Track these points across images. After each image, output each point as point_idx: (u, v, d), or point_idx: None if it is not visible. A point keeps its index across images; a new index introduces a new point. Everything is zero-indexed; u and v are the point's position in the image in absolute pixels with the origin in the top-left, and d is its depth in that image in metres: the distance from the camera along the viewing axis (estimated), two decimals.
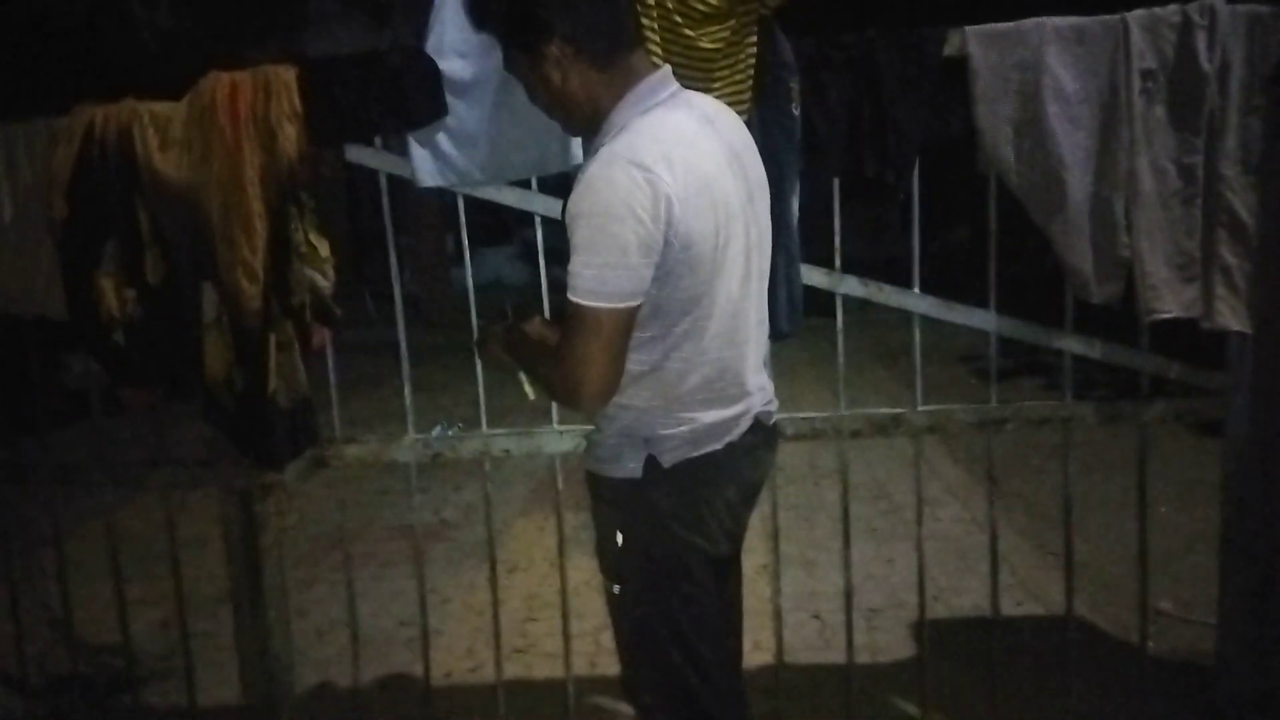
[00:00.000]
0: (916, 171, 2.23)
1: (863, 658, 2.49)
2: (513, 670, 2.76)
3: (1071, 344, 2.31)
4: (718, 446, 1.59)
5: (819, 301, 2.34)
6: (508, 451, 2.38)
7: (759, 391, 1.68)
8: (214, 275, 2.18)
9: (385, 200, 2.33)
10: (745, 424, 1.63)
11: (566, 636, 2.47)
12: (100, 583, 2.73)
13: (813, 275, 2.26)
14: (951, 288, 2.35)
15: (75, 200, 2.22)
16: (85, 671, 2.83)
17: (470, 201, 2.31)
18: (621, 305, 1.44)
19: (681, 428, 1.57)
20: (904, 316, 2.33)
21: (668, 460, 1.57)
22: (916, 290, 2.30)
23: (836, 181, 2.25)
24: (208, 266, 2.19)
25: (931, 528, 2.44)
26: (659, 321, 1.52)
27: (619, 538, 1.60)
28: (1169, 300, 2.23)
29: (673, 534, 1.60)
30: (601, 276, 1.42)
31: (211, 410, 2.24)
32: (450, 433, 2.23)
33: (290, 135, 2.16)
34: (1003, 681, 2.45)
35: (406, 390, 2.37)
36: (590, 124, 1.57)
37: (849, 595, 2.44)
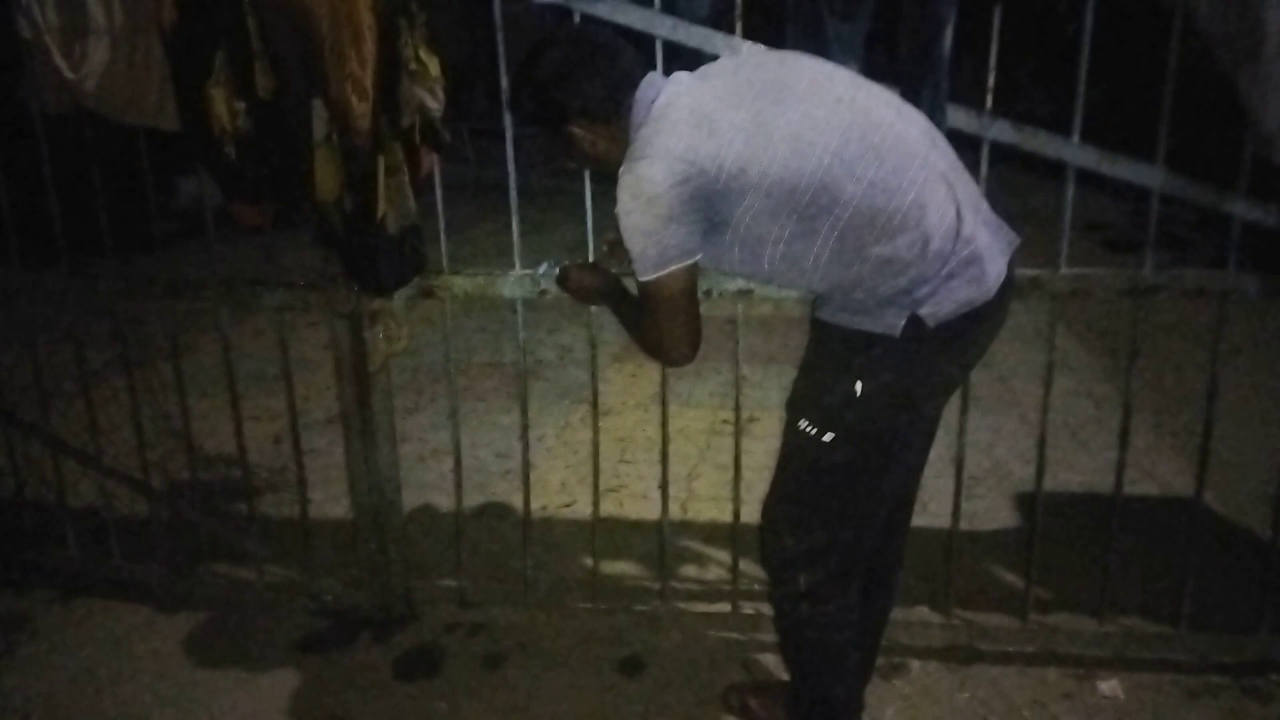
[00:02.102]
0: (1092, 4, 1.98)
1: (962, 526, 2.41)
2: (605, 510, 2.78)
3: (1242, 208, 2.08)
4: (973, 302, 1.65)
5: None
6: None
7: (986, 238, 1.69)
8: (323, 91, 2.09)
9: (497, 15, 2.18)
10: (990, 272, 1.67)
11: (665, 482, 2.46)
12: (216, 397, 2.82)
13: (958, 117, 2.06)
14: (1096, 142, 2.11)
15: (184, 6, 2.14)
16: (203, 479, 2.97)
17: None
18: (675, 266, 1.64)
19: (933, 283, 1.63)
20: (1039, 180, 2.12)
21: (930, 320, 1.64)
22: (1076, 139, 2.08)
23: (997, 10, 2.01)
24: (317, 81, 2.09)
25: (1043, 400, 2.29)
26: (779, 217, 1.62)
27: (858, 386, 1.68)
28: None
29: (912, 394, 1.72)
30: (650, 254, 1.63)
31: (321, 232, 2.20)
32: (557, 270, 2.16)
33: None
34: (1114, 561, 2.36)
35: (514, 225, 2.29)
36: (624, 159, 1.72)
37: (960, 456, 2.34)
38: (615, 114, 1.72)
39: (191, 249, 2.47)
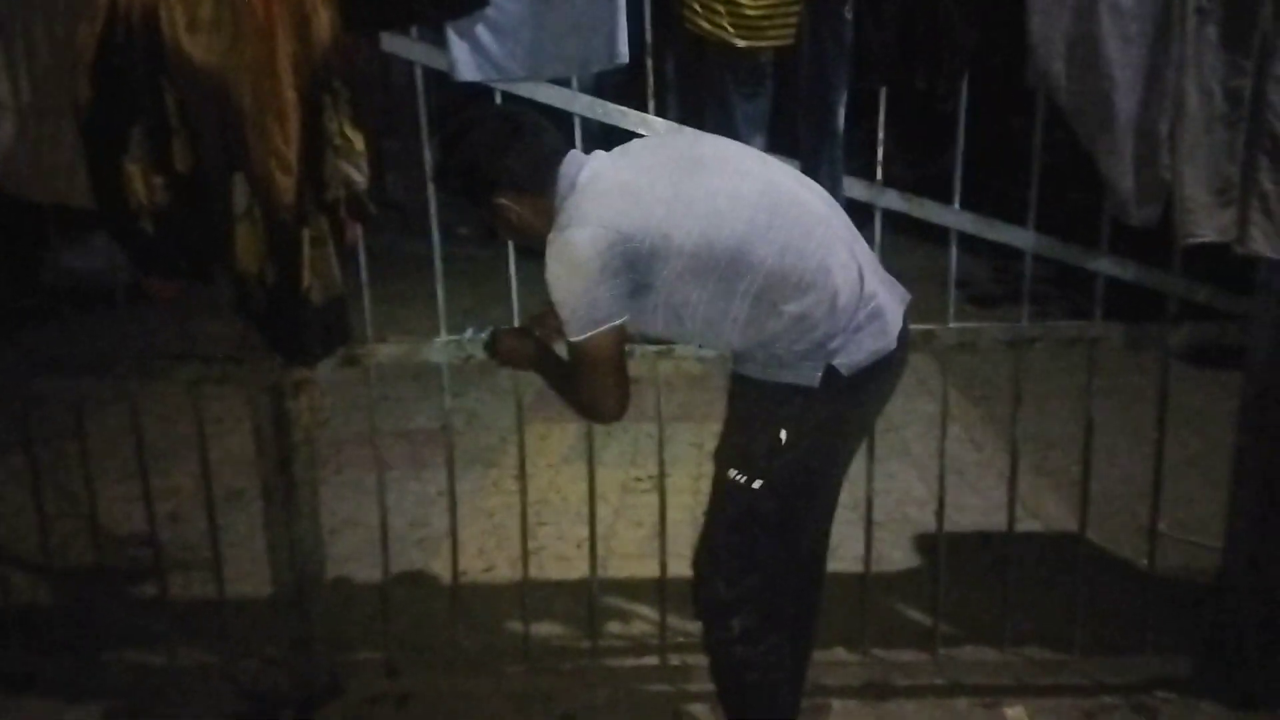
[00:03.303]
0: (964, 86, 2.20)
1: (872, 568, 2.55)
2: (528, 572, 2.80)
3: (1106, 265, 2.32)
4: (880, 352, 1.80)
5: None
6: None
7: (884, 294, 1.86)
8: (245, 165, 2.12)
9: (421, 94, 2.26)
10: (891, 324, 1.83)
11: (593, 540, 2.51)
12: (116, 473, 2.73)
13: (854, 188, 2.24)
14: (975, 206, 2.33)
15: (99, 82, 2.14)
16: (109, 562, 2.85)
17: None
18: (607, 326, 1.73)
19: (848, 335, 1.77)
20: (900, 242, 2.31)
21: (844, 369, 1.77)
22: (956, 206, 2.28)
23: (883, 92, 2.21)
24: (239, 156, 2.13)
25: (932, 446, 2.48)
26: (700, 280, 1.75)
27: (783, 434, 1.79)
28: (1205, 224, 2.23)
29: (832, 439, 1.86)
30: (580, 315, 1.73)
31: (242, 303, 2.21)
32: (483, 335, 2.22)
33: (324, 20, 2.08)
34: (1010, 594, 2.53)
35: (439, 292, 2.35)
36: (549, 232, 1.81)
37: (869, 503, 2.49)
38: (541, 188, 1.81)
39: (95, 321, 2.41)
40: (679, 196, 1.74)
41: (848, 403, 1.84)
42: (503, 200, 1.83)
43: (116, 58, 2.13)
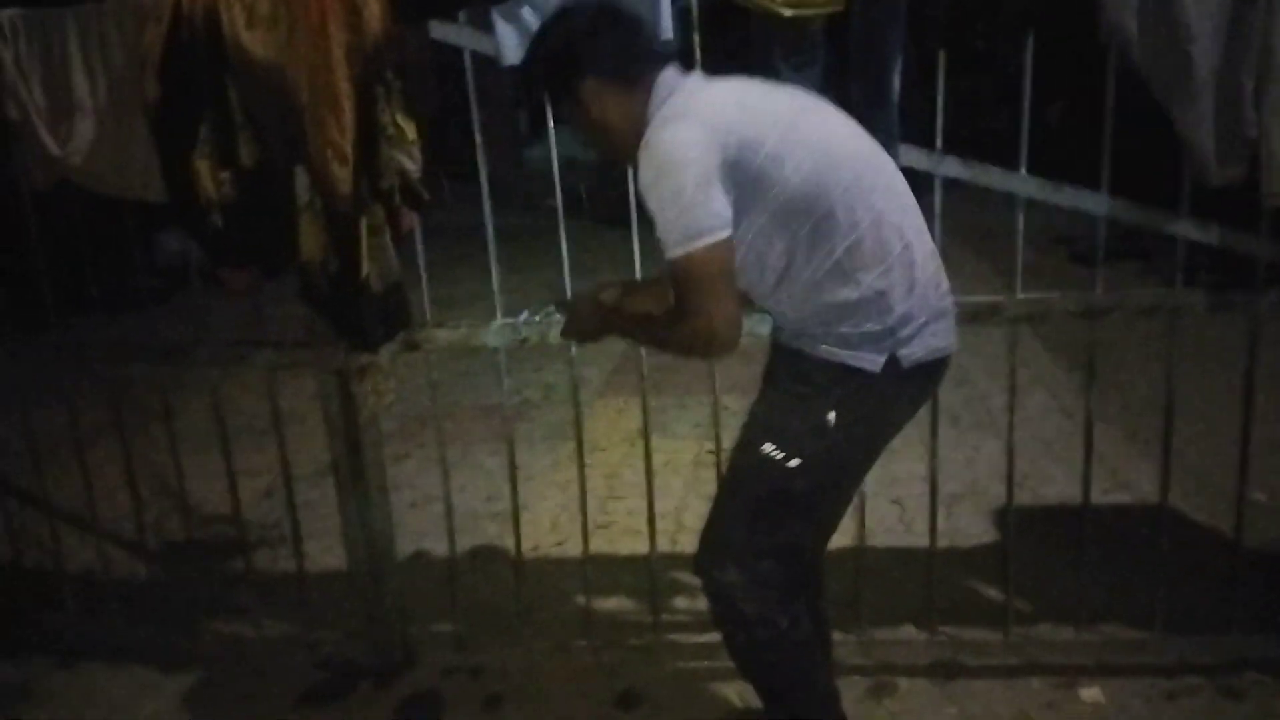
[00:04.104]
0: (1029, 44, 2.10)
1: (943, 543, 2.50)
2: (596, 546, 2.84)
3: (1187, 229, 2.19)
4: (940, 351, 1.75)
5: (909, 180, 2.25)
6: None
7: (950, 297, 1.80)
8: (305, 158, 2.18)
9: (470, 78, 2.28)
10: (953, 326, 1.79)
11: (651, 516, 2.53)
12: (206, 454, 2.87)
13: (911, 155, 2.17)
14: (1046, 167, 2.22)
15: (167, 81, 2.23)
16: (198, 538, 3.01)
17: None
18: (711, 238, 1.56)
19: (914, 321, 1.70)
20: (999, 196, 2.23)
21: (906, 361, 1.70)
22: (1023, 171, 2.19)
23: (942, 54, 2.12)
24: (299, 149, 2.19)
25: (1018, 416, 2.39)
26: (802, 220, 1.63)
27: (832, 416, 1.70)
28: None
29: (877, 429, 1.79)
30: (678, 224, 1.56)
31: (308, 292, 2.28)
32: (537, 318, 2.24)
33: (375, 12, 2.11)
34: (1090, 570, 2.44)
35: (494, 276, 2.37)
36: (636, 143, 1.68)
37: (933, 480, 2.43)
38: (630, 84, 1.69)
39: (177, 305, 2.54)
40: (796, 125, 1.64)
41: (902, 394, 1.77)
42: (588, 88, 1.70)
43: (182, 57, 2.21)
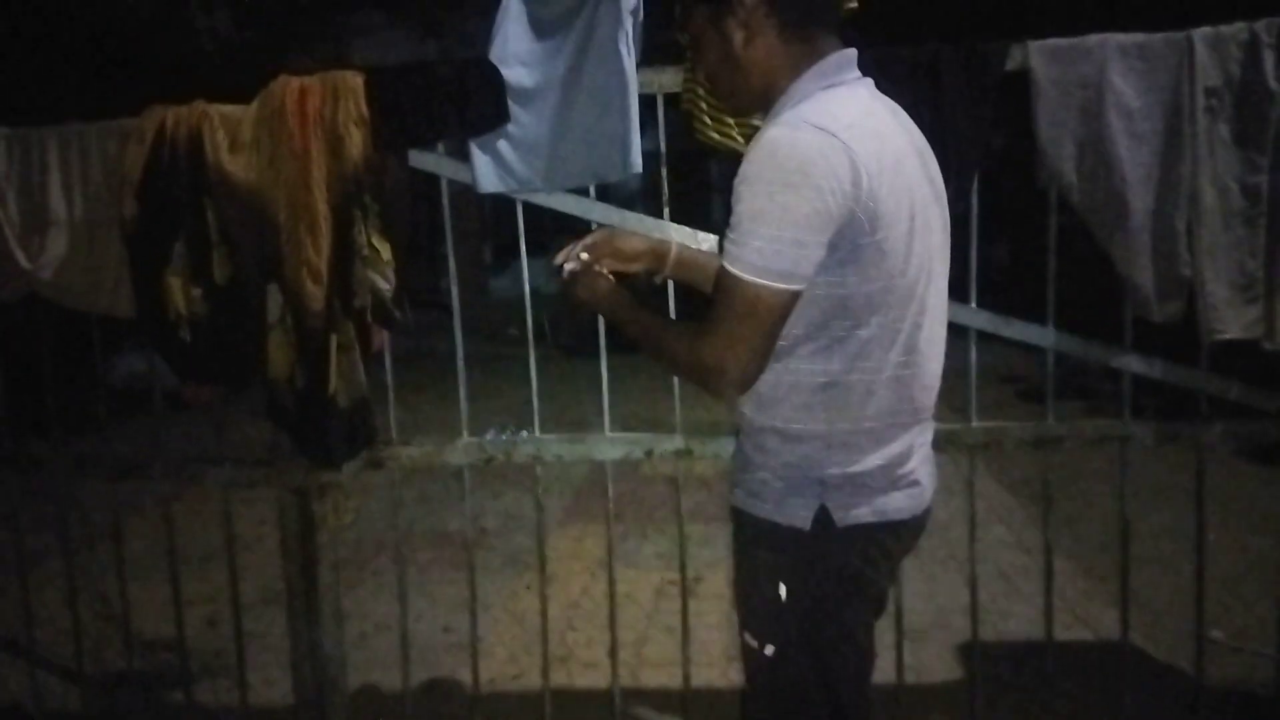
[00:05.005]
0: (975, 186, 2.23)
1: (908, 678, 2.45)
2: (555, 679, 2.76)
3: (1131, 362, 2.28)
4: (893, 512, 1.46)
5: None
6: (560, 456, 2.39)
7: (925, 431, 1.53)
8: (279, 276, 2.22)
9: (446, 205, 2.36)
10: (919, 469, 1.50)
11: (614, 649, 2.47)
12: (152, 578, 2.78)
13: None
14: (991, 305, 2.33)
15: (145, 199, 2.27)
16: (139, 666, 2.87)
17: (504, 211, 2.34)
18: (785, 286, 1.32)
19: (855, 467, 1.42)
20: (950, 331, 2.31)
21: (841, 518, 1.43)
22: (973, 305, 2.28)
23: None
24: (273, 267, 2.23)
25: (976, 550, 2.40)
26: (843, 320, 1.38)
27: (781, 590, 1.45)
28: (1230, 320, 2.21)
29: (844, 593, 1.47)
30: (767, 250, 1.30)
31: (273, 408, 2.27)
32: (504, 436, 2.25)
33: (357, 140, 2.20)
34: (1053, 707, 2.41)
35: (462, 391, 2.39)
36: (757, 100, 1.47)
37: (899, 615, 2.41)
38: (802, 39, 1.42)
39: (136, 426, 2.50)
40: (916, 232, 1.38)
41: (854, 556, 1.46)
42: (754, 16, 1.41)
43: (162, 177, 2.27)
